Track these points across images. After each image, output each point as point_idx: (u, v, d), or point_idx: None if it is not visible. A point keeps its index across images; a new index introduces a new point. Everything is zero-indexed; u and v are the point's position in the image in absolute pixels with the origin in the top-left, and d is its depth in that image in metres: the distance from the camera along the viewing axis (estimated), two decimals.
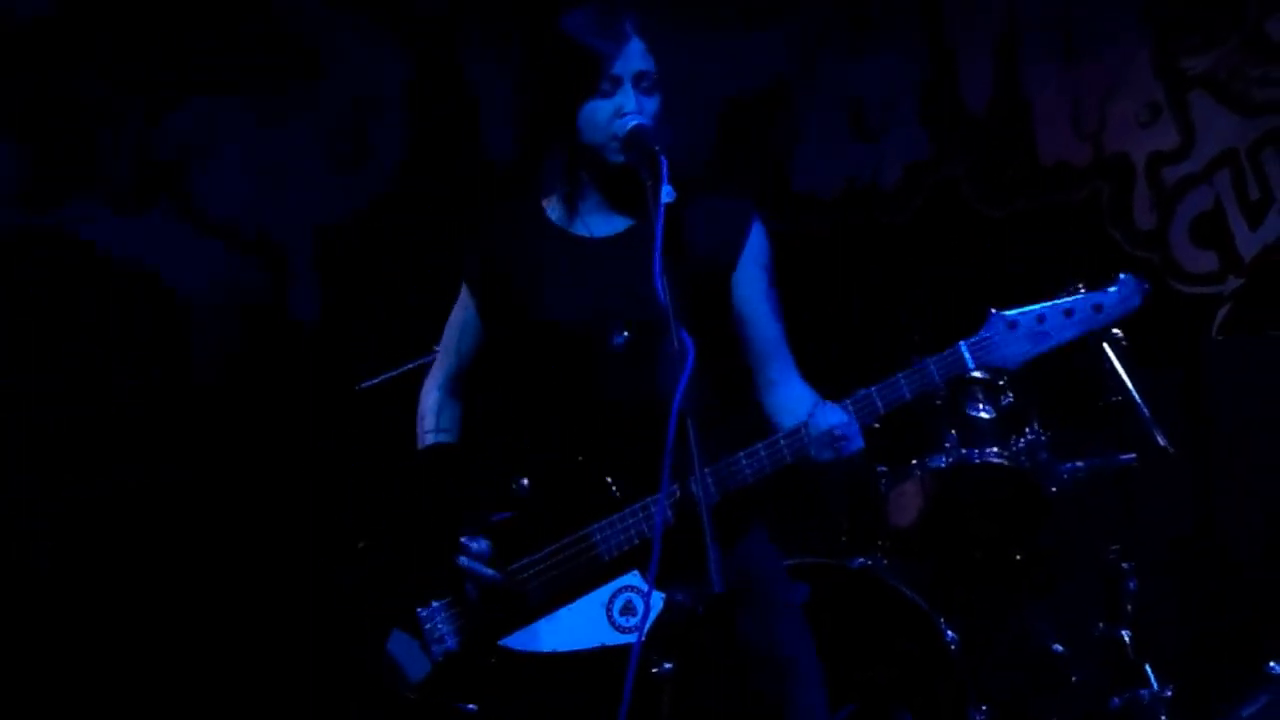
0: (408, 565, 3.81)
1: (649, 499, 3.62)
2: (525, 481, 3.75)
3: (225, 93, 6.77)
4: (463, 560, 3.69)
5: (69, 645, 6.48)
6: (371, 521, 3.90)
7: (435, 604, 3.77)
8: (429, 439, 3.99)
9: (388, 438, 4.33)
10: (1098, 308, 3.52)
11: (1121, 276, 3.52)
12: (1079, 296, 3.54)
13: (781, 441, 3.61)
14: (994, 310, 3.58)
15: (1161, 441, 5.63)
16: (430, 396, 4.04)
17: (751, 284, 3.82)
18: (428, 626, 3.77)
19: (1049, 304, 3.55)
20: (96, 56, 6.61)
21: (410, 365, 5.31)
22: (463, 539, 3.70)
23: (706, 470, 3.52)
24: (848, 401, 3.59)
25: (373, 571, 3.84)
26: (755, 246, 3.83)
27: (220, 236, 6.80)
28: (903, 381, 3.59)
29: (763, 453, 3.61)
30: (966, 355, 3.57)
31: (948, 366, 3.57)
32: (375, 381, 5.35)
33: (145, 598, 6.56)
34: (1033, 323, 3.55)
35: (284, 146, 6.83)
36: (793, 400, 3.78)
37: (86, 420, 6.64)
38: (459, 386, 4.03)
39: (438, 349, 5.34)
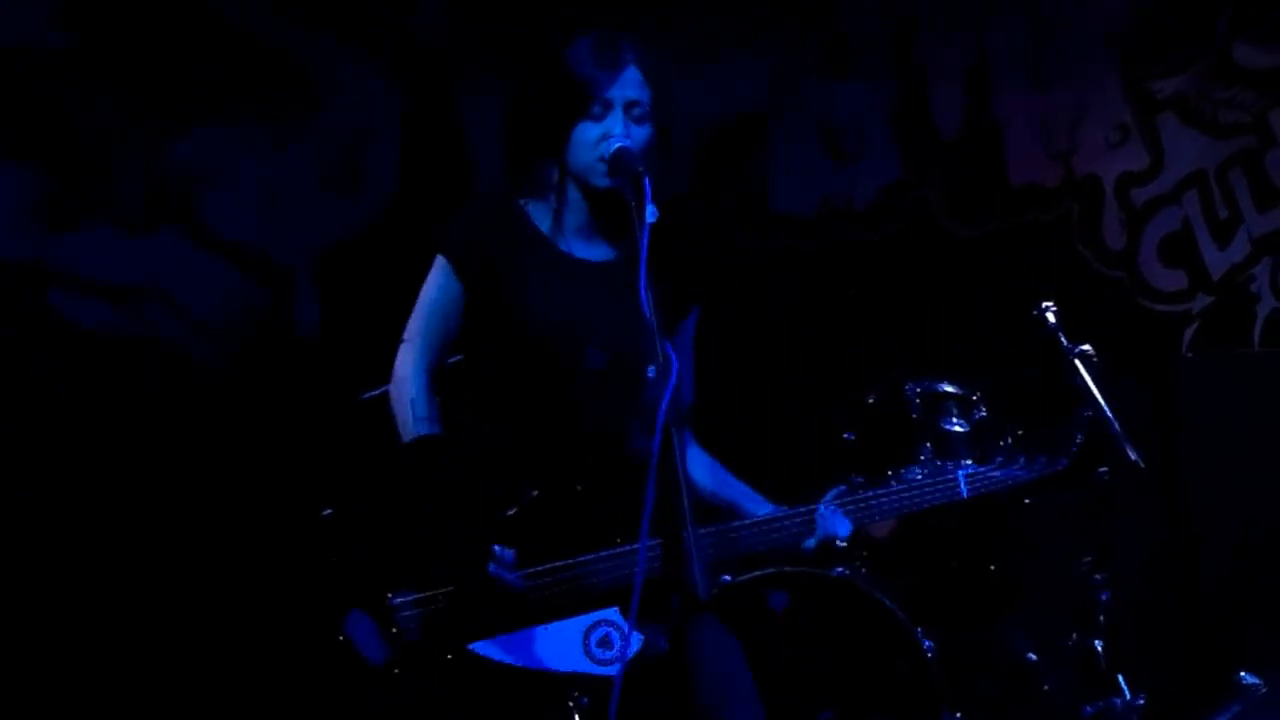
0: (387, 550, 3.76)
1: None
2: (533, 491, 3.78)
3: (229, 121, 6.81)
4: (492, 568, 3.68)
5: (64, 646, 6.50)
6: (353, 505, 3.88)
7: (407, 595, 3.73)
8: (419, 429, 3.90)
9: (386, 448, 4.33)
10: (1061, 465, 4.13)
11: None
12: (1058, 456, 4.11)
13: (782, 522, 3.86)
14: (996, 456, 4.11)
15: (1132, 456, 5.68)
16: (413, 384, 3.94)
17: (683, 348, 3.93)
18: (399, 614, 3.71)
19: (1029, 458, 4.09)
20: (110, 87, 6.66)
21: None
22: (494, 548, 3.70)
23: (705, 531, 3.70)
24: (851, 507, 3.91)
25: (347, 551, 3.82)
26: (691, 323, 3.99)
27: (225, 257, 6.84)
28: (905, 498, 3.98)
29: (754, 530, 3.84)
30: (963, 484, 4.03)
31: (942, 493, 4.02)
32: (377, 393, 5.41)
33: (144, 610, 6.57)
34: (1018, 464, 4.11)
35: (284, 172, 6.87)
36: (699, 465, 4.00)
37: (93, 432, 6.67)
38: (435, 373, 3.96)
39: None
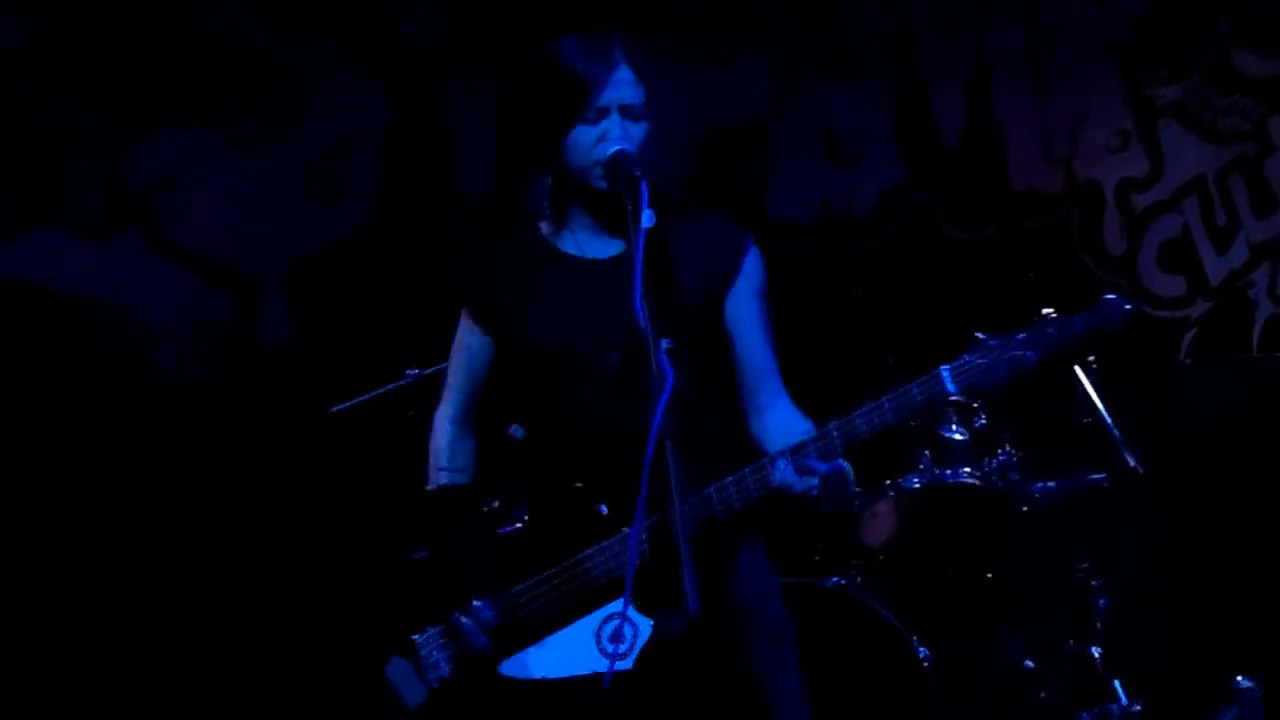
0: (408, 596, 3.82)
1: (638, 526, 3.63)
2: (521, 504, 3.78)
3: (199, 124, 6.79)
4: (464, 621, 3.70)
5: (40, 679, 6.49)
6: (375, 552, 3.92)
7: (430, 630, 3.77)
8: (441, 478, 3.95)
9: (355, 460, 4.35)
10: (1077, 323, 3.55)
11: (1106, 297, 3.55)
12: (1061, 318, 3.56)
13: (768, 467, 3.64)
14: (978, 334, 3.60)
15: (1131, 462, 5.71)
16: (442, 433, 3.98)
17: (744, 308, 3.87)
18: (423, 653, 3.77)
19: (1030, 329, 3.57)
20: (69, 87, 6.62)
21: (379, 391, 5.39)
22: (475, 602, 3.70)
23: (691, 498, 3.59)
24: (830, 427, 3.62)
25: (373, 600, 3.87)
26: (750, 271, 3.89)
27: (190, 266, 6.82)
28: (886, 405, 3.60)
29: (749, 478, 3.65)
30: (947, 379, 3.58)
31: (929, 390, 3.59)
32: (345, 406, 5.40)
33: (117, 624, 6.57)
34: (1014, 344, 3.56)
35: (258, 179, 6.85)
36: (780, 425, 3.82)
37: (58, 448, 6.65)
38: (471, 419, 3.99)
39: (410, 373, 5.38)
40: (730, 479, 3.65)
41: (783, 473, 3.62)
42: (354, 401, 5.40)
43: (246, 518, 6.61)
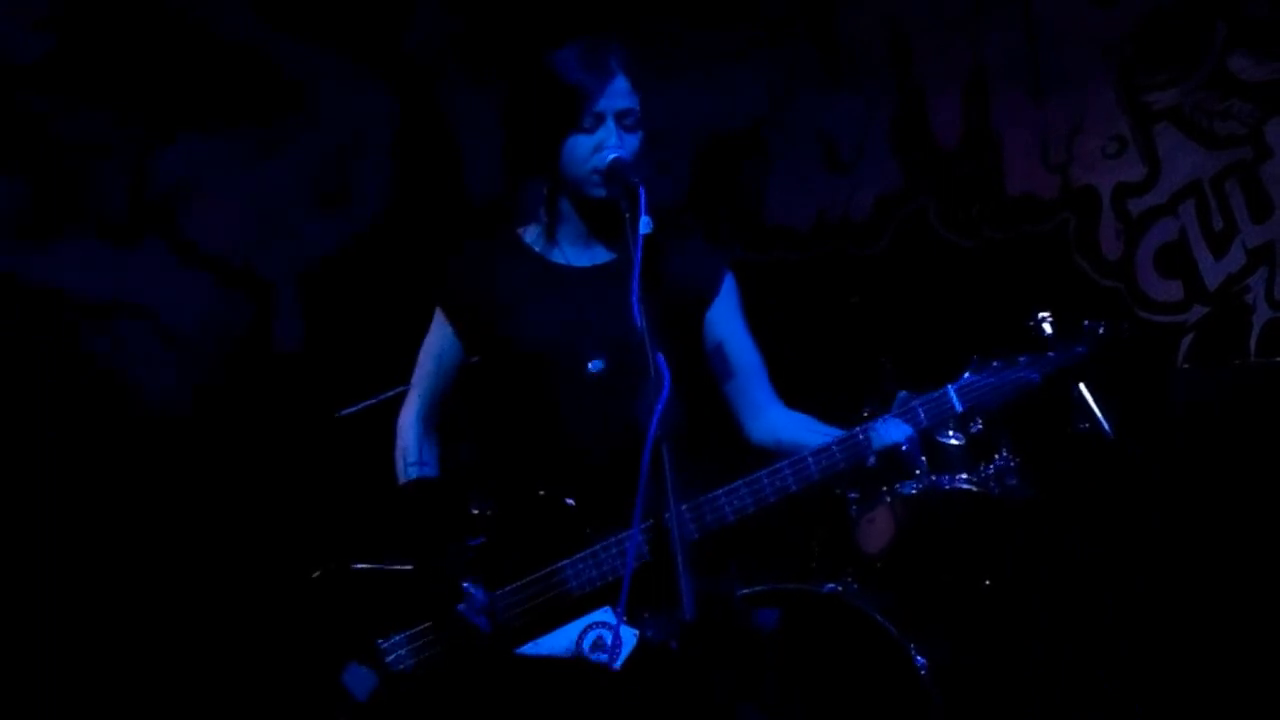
0: (376, 597, 3.80)
1: (623, 534, 3.65)
2: (496, 508, 3.78)
3: (215, 131, 6.81)
4: (461, 608, 3.70)
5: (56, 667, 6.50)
6: (342, 552, 3.91)
7: (397, 636, 3.77)
8: (411, 472, 3.99)
9: (367, 464, 4.35)
10: (1079, 352, 3.70)
11: (1104, 320, 3.69)
12: (1063, 341, 3.71)
13: (835, 448, 3.68)
14: (976, 356, 3.72)
15: (1130, 466, 5.71)
16: (410, 430, 4.02)
17: (729, 321, 3.93)
18: (390, 658, 3.75)
19: (1033, 354, 3.71)
20: (93, 95, 6.65)
21: (389, 394, 5.39)
22: (465, 585, 3.71)
23: (717, 494, 3.66)
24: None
25: (334, 602, 3.83)
26: (728, 289, 3.94)
27: (208, 270, 6.84)
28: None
29: (810, 460, 3.67)
30: (954, 399, 3.69)
31: (934, 409, 3.70)
32: (355, 409, 5.40)
33: (125, 626, 6.57)
34: (1018, 366, 3.71)
35: (271, 184, 6.87)
36: (788, 418, 3.92)
37: (73, 450, 6.66)
38: (436, 416, 4.04)
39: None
40: (764, 471, 3.69)
41: (885, 432, 3.66)
42: (362, 405, 5.41)
43: (253, 520, 6.61)
